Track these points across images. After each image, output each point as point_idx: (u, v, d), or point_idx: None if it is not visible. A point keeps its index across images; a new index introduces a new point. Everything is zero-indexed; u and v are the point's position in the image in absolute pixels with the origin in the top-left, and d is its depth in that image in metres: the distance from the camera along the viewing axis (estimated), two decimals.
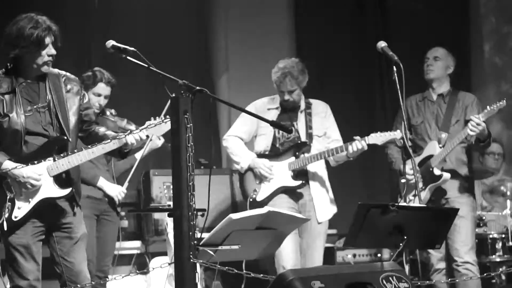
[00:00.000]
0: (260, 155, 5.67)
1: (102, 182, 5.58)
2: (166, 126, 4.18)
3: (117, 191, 5.62)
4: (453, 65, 5.87)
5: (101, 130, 4.28)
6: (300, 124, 5.68)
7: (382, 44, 4.68)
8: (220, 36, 8.02)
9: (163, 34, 7.69)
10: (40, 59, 4.06)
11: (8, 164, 3.99)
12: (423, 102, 5.87)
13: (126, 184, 5.70)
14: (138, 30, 7.52)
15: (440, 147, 5.62)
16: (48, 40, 4.03)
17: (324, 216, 5.61)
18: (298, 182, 5.56)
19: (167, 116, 4.04)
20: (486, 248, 6.66)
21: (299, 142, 5.62)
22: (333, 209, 5.71)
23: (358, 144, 5.36)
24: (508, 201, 6.90)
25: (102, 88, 5.62)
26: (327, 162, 5.72)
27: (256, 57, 7.92)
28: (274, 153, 5.66)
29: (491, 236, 6.70)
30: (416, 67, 5.94)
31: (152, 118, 4.23)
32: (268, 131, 5.69)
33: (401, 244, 4.03)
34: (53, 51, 4.06)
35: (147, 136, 4.23)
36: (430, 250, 5.52)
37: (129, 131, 4.14)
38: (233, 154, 5.73)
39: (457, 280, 5.20)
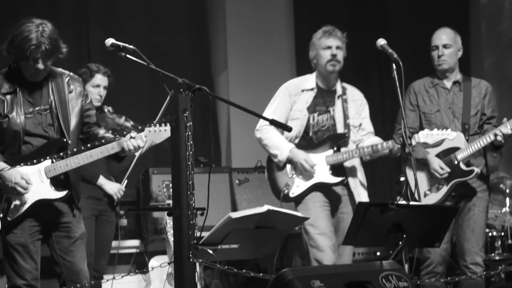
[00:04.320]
0: (293, 143, 5.24)
1: (102, 180, 5.59)
2: (166, 133, 4.16)
3: (116, 189, 5.63)
4: (461, 46, 5.50)
5: (101, 132, 4.27)
6: (337, 111, 5.28)
7: (381, 41, 4.65)
8: (219, 34, 8.01)
9: (162, 32, 7.69)
10: (28, 69, 4.05)
11: (1, 165, 3.98)
12: (434, 89, 5.48)
13: (124, 182, 5.71)
14: (138, 28, 7.51)
15: (467, 139, 5.32)
16: (34, 56, 3.96)
17: None
18: (339, 179, 5.19)
19: (167, 123, 4.04)
20: (485, 246, 6.62)
21: (338, 133, 5.25)
22: None
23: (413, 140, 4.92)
24: (507, 199, 6.89)
25: (100, 79, 5.62)
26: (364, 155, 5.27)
27: (256, 54, 7.93)
28: (308, 144, 5.25)
29: (490, 234, 6.69)
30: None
31: (152, 125, 4.19)
32: (302, 115, 5.24)
33: (400, 243, 4.02)
34: (40, 66, 4.00)
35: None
36: (430, 250, 5.26)
37: (128, 136, 4.11)
38: (269, 146, 5.24)
39: (456, 279, 5.10)
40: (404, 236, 4.02)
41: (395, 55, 4.49)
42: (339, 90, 5.34)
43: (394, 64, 4.46)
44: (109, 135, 4.24)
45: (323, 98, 5.30)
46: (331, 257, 5.12)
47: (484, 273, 5.27)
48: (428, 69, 5.70)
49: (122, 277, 4.01)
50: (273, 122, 4.01)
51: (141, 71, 6.74)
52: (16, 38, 3.96)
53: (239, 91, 7.63)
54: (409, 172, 5.19)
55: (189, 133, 3.41)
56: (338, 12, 8.28)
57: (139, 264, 6.56)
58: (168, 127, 4.07)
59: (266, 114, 5.26)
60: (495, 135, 5.13)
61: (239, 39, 7.90)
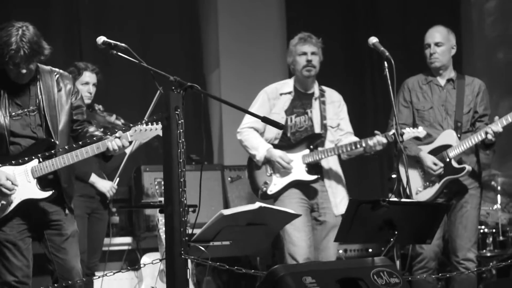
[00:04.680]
0: (271, 144, 5.47)
1: (94, 178, 5.59)
2: (152, 132, 4.15)
3: (109, 187, 5.63)
4: (455, 44, 5.54)
5: (90, 129, 4.27)
6: (315, 112, 5.49)
7: (373, 40, 4.67)
8: (211, 32, 8.01)
9: (154, 30, 7.68)
10: (11, 73, 4.03)
11: None
12: (428, 86, 5.52)
13: (116, 180, 5.71)
14: (129, 26, 7.50)
15: (459, 137, 5.37)
16: (14, 60, 3.94)
17: (340, 209, 5.37)
18: (314, 177, 5.39)
19: (153, 123, 4.03)
20: (477, 243, 6.66)
21: (314, 133, 5.45)
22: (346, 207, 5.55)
23: (379, 140, 5.18)
24: (499, 196, 6.91)
25: (88, 76, 5.62)
26: (338, 155, 5.52)
27: (247, 52, 7.92)
28: (286, 144, 5.47)
29: (482, 231, 6.71)
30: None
31: (143, 123, 4.18)
32: (280, 118, 5.44)
33: (392, 239, 4.04)
34: (23, 70, 3.98)
35: (130, 142, 4.18)
36: (424, 246, 5.30)
37: (113, 136, 4.09)
38: (248, 147, 5.49)
39: (448, 275, 5.12)
40: (396, 232, 4.03)
41: (387, 53, 4.51)
42: (316, 93, 5.55)
43: (385, 62, 4.48)
44: (98, 133, 4.23)
45: (301, 101, 5.51)
46: (305, 252, 5.30)
47: (476, 269, 5.29)
48: (419, 67, 5.72)
49: (114, 273, 4.01)
50: (264, 120, 4.02)
51: (133, 69, 6.73)
52: None
53: (231, 89, 7.62)
54: (401, 169, 5.21)
55: (181, 130, 3.42)
56: (330, 11, 8.30)
57: (131, 261, 6.56)
58: (154, 126, 4.07)
59: (247, 117, 5.53)
60: (486, 133, 5.17)
61: (231, 37, 7.90)
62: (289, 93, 5.53)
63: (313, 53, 5.45)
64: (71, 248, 4.17)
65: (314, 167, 5.42)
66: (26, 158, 4.01)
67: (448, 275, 4.91)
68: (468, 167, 5.32)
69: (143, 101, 7.24)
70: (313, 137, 5.45)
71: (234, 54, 7.89)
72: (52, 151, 4.05)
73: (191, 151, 6.26)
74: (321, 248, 5.42)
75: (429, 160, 5.35)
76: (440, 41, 5.45)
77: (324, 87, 5.61)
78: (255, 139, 5.48)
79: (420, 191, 5.41)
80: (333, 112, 5.55)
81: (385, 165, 8.07)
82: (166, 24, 7.76)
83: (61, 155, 4.05)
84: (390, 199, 4.12)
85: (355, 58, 8.34)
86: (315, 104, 5.52)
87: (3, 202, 4.02)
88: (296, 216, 4.19)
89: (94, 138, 4.09)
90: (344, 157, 5.54)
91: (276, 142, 5.50)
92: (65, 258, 4.14)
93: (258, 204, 3.78)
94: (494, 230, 6.70)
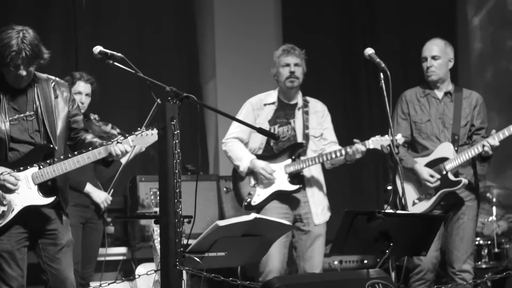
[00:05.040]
0: (255, 154, 5.52)
1: (89, 188, 5.57)
2: (153, 137, 4.14)
3: (104, 198, 5.61)
4: (453, 57, 5.53)
5: (88, 137, 4.26)
6: (297, 122, 5.56)
7: (369, 51, 4.68)
8: (207, 42, 8.02)
9: (150, 39, 7.69)
10: (10, 76, 4.02)
11: None
12: (426, 98, 5.53)
13: (111, 191, 5.69)
14: (126, 35, 7.51)
15: (456, 150, 5.37)
16: (15, 62, 3.93)
17: (321, 219, 5.49)
18: (296, 187, 5.44)
19: (154, 128, 4.02)
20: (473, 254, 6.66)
21: (295, 143, 5.51)
22: (328, 214, 5.60)
23: (359, 148, 5.24)
24: (494, 208, 6.92)
25: (82, 86, 5.60)
26: (322, 164, 5.60)
27: (244, 62, 7.94)
28: (268, 154, 5.53)
29: (477, 242, 6.71)
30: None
31: (138, 128, 4.17)
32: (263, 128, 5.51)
33: (387, 251, 4.03)
34: (22, 72, 3.96)
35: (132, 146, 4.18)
36: (421, 257, 5.27)
37: (115, 140, 4.09)
38: (232, 158, 5.56)
39: (443, 287, 5.11)
40: (391, 244, 4.03)
41: (383, 65, 4.52)
42: (299, 103, 5.61)
43: (381, 74, 4.49)
44: (97, 139, 4.22)
45: (284, 111, 5.58)
46: (277, 261, 5.34)
47: (471, 281, 5.29)
48: (415, 80, 5.74)
49: (109, 284, 4.01)
50: (260, 131, 4.04)
51: (129, 79, 6.74)
52: None
53: (227, 99, 7.63)
54: (397, 181, 5.23)
55: (177, 141, 3.42)
56: (327, 23, 8.32)
57: (126, 271, 6.54)
58: (154, 131, 4.05)
59: (232, 127, 5.64)
60: (483, 146, 5.19)
61: (228, 47, 7.91)
62: (273, 103, 5.60)
63: (296, 65, 5.54)
64: (65, 258, 4.15)
65: (296, 177, 5.48)
66: (28, 166, 4.00)
67: (443, 287, 4.89)
68: (464, 180, 5.33)
69: (139, 110, 7.25)
70: (295, 146, 5.50)
71: (231, 64, 7.90)
72: (51, 158, 4.04)
73: (187, 161, 6.25)
74: (306, 258, 5.46)
75: (426, 173, 5.35)
76: (437, 54, 5.45)
77: (308, 98, 5.68)
78: (239, 150, 5.54)
79: (416, 203, 5.42)
80: (317, 122, 5.61)
81: (381, 176, 8.08)
82: (162, 35, 7.77)
83: (62, 161, 4.04)
84: (386, 211, 4.13)
85: (352, 68, 8.36)
86: (298, 114, 5.58)
87: (5, 209, 4.00)
88: (291, 227, 4.19)
89: (97, 144, 4.09)
90: (328, 166, 5.62)
91: (260, 152, 5.56)
92: (59, 268, 4.12)
93: (253, 215, 3.78)
94: (489, 242, 6.70)
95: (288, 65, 5.53)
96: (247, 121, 5.42)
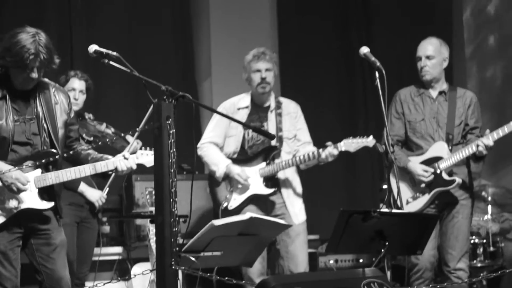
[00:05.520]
0: (230, 158, 5.56)
1: (83, 187, 5.55)
2: None
3: (98, 197, 5.60)
4: (447, 56, 5.54)
5: (84, 147, 4.31)
6: (271, 125, 5.58)
7: (364, 49, 4.68)
8: (203, 41, 8.01)
9: (146, 38, 7.67)
10: (20, 77, 4.01)
11: (1, 166, 3.95)
12: (420, 98, 5.55)
13: (106, 189, 5.68)
14: (121, 34, 7.50)
15: (450, 149, 5.40)
16: (32, 65, 3.95)
17: (300, 218, 5.52)
18: (271, 190, 5.49)
19: None
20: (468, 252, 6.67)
21: (269, 146, 5.54)
22: (304, 215, 5.61)
23: (331, 151, 5.30)
24: (489, 206, 6.93)
25: (76, 83, 5.57)
26: (297, 165, 5.61)
27: (239, 61, 7.90)
28: (243, 158, 5.56)
29: (472, 241, 6.72)
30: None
31: (136, 132, 4.19)
32: (237, 132, 5.57)
33: (382, 250, 4.04)
34: (34, 75, 3.97)
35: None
36: (419, 257, 5.30)
37: (121, 156, 4.12)
38: (208, 163, 5.61)
39: (438, 286, 5.11)
40: (387, 243, 4.04)
41: (378, 63, 4.52)
42: (272, 105, 5.63)
43: (377, 72, 4.49)
44: (93, 151, 4.24)
45: (258, 114, 5.60)
46: (257, 262, 5.14)
47: (466, 280, 5.30)
48: (411, 79, 5.74)
49: (104, 284, 4.00)
50: (255, 130, 4.04)
51: (125, 78, 6.72)
52: (14, 47, 3.91)
53: (222, 98, 7.59)
54: (392, 180, 5.24)
55: (172, 140, 3.41)
56: (323, 22, 8.32)
57: (121, 271, 6.53)
58: None
59: (206, 131, 5.70)
60: (477, 146, 5.21)
61: (223, 46, 7.90)
62: (246, 107, 5.62)
63: (267, 70, 5.55)
64: (59, 258, 4.14)
65: (271, 180, 5.52)
66: (30, 171, 4.00)
67: (438, 286, 4.90)
68: (458, 180, 5.35)
69: (134, 110, 7.24)
70: (269, 149, 5.54)
71: (226, 63, 7.89)
72: (53, 164, 4.05)
73: (182, 161, 6.23)
74: (290, 257, 5.46)
75: (419, 168, 5.37)
76: (431, 54, 5.46)
77: (281, 99, 5.72)
78: (215, 154, 5.57)
79: (410, 202, 5.43)
80: (290, 123, 5.62)
81: (376, 176, 8.08)
82: (158, 33, 7.75)
83: (67, 168, 4.06)
84: (381, 210, 4.13)
85: (347, 67, 8.36)
86: (271, 116, 5.60)
87: (4, 213, 3.99)
88: (287, 226, 4.20)
89: (102, 158, 4.14)
90: (302, 167, 5.62)
91: (235, 156, 5.59)
92: (53, 268, 4.11)
93: (249, 215, 3.78)
94: (484, 241, 6.71)
95: (259, 70, 5.54)
96: (221, 125, 5.58)
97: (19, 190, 3.98)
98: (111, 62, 3.74)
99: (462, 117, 5.49)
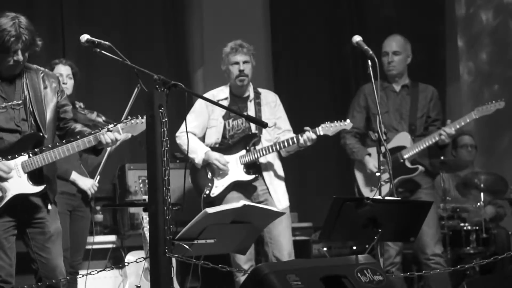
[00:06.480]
0: (212, 148, 5.61)
1: (75, 176, 5.56)
2: (142, 125, 4.15)
3: (90, 185, 5.60)
4: (411, 53, 5.88)
5: (78, 126, 4.26)
6: (250, 114, 5.61)
7: (357, 38, 4.70)
8: (195, 30, 8.00)
9: (138, 28, 7.66)
10: (5, 62, 4.01)
11: None
12: (384, 92, 5.82)
13: (97, 177, 5.69)
14: (113, 24, 7.48)
15: (413, 139, 5.68)
16: (14, 47, 3.94)
17: (283, 204, 5.57)
18: (252, 176, 5.55)
19: (143, 116, 4.02)
20: (460, 240, 6.72)
21: (248, 134, 5.60)
22: (287, 200, 5.67)
23: (309, 136, 5.38)
24: (482, 194, 6.96)
25: (61, 68, 5.59)
26: (279, 152, 5.69)
27: None
28: (224, 146, 5.62)
29: (465, 228, 6.76)
30: None
31: (128, 117, 4.18)
32: (218, 123, 5.64)
33: (375, 237, 4.06)
34: (20, 58, 3.98)
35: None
36: (389, 243, 5.55)
37: (105, 129, 4.09)
38: (187, 151, 5.65)
39: (423, 272, 5.17)
40: (380, 230, 4.06)
41: (370, 52, 4.54)
42: (251, 95, 5.71)
43: (369, 61, 4.51)
44: (86, 129, 4.23)
45: (237, 105, 5.67)
46: (246, 256, 5.32)
47: (458, 266, 5.34)
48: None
49: (98, 272, 4.01)
50: (248, 118, 4.06)
51: (116, 67, 6.71)
52: None
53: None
54: (357, 172, 5.84)
55: (165, 129, 3.41)
56: (315, 15, 8.32)
57: (115, 259, 6.54)
58: (144, 119, 4.05)
59: (186, 122, 5.63)
60: (440, 134, 5.53)
61: (216, 36, 7.87)
62: (225, 99, 5.68)
63: (245, 62, 5.63)
64: (54, 247, 4.15)
65: (252, 167, 5.58)
66: (16, 156, 3.99)
67: (422, 273, 4.98)
68: (421, 168, 5.65)
69: (126, 98, 7.21)
70: (249, 137, 5.61)
71: (219, 53, 7.86)
72: (40, 146, 4.04)
73: (175, 149, 6.24)
74: (273, 243, 5.53)
75: (371, 164, 5.66)
76: (397, 50, 5.81)
77: (259, 89, 5.79)
78: (193, 142, 5.59)
79: (374, 190, 5.67)
80: (269, 112, 5.69)
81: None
82: (150, 23, 7.74)
83: (52, 149, 4.04)
84: (374, 197, 4.15)
85: (339, 54, 8.37)
86: (251, 106, 5.68)
87: None
88: (280, 214, 4.21)
89: (86, 133, 4.08)
90: (284, 154, 5.69)
91: (216, 146, 5.64)
92: (48, 257, 4.12)
93: (242, 202, 3.79)
94: (477, 228, 6.75)
95: (237, 63, 5.62)
96: (201, 118, 5.64)
97: (3, 179, 3.98)
98: (103, 51, 3.73)
99: (424, 109, 5.81)
